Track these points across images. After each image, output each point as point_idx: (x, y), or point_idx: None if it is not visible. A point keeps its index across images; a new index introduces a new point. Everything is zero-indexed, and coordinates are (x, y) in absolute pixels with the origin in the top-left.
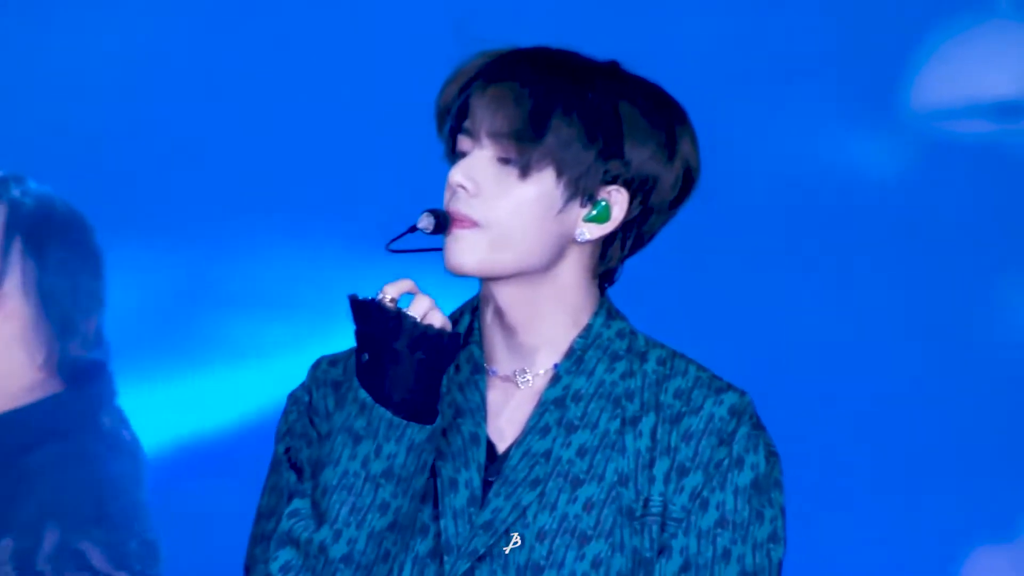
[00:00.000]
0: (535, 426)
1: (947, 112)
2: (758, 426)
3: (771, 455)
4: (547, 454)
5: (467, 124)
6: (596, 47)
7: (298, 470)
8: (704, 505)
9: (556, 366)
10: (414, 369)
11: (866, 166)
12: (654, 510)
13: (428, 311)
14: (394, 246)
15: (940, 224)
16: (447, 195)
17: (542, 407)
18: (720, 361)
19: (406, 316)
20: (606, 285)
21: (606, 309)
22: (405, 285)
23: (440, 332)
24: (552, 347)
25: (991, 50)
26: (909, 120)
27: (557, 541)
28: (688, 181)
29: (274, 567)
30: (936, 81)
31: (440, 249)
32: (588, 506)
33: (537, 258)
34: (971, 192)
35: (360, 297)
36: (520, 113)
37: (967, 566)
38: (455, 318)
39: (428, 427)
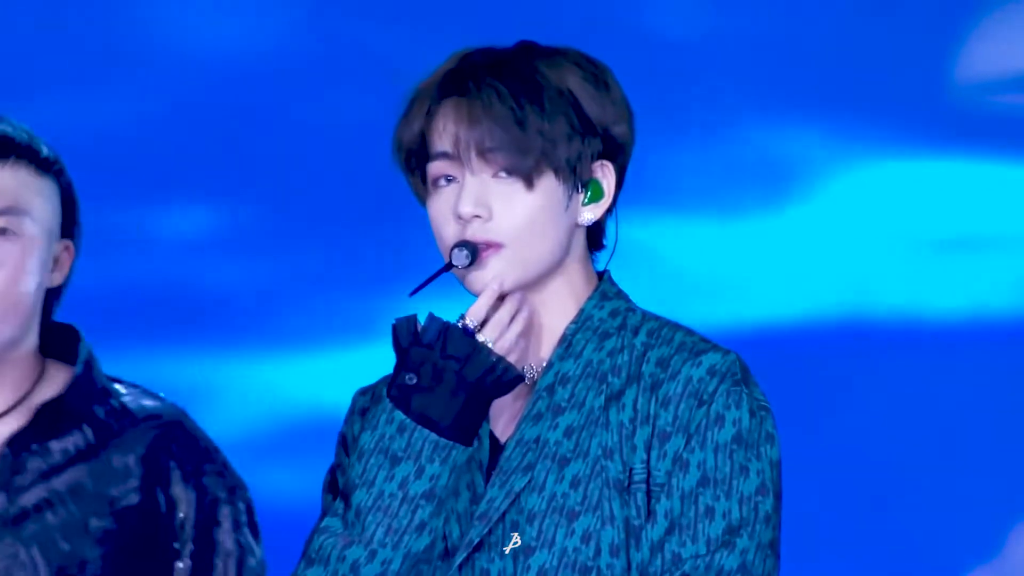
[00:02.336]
0: (528, 414)
1: (992, 85)
2: (741, 383)
3: (759, 409)
4: (537, 439)
5: (447, 150)
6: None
7: (336, 495)
8: (685, 466)
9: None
10: (474, 398)
11: (911, 140)
12: (637, 478)
13: (499, 338)
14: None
15: (986, 199)
16: (451, 229)
17: (535, 395)
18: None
19: (485, 348)
20: (596, 252)
21: (600, 291)
22: (482, 312)
23: (507, 368)
24: (553, 337)
25: None
26: (954, 93)
27: (547, 521)
28: (633, 123)
29: None
30: (982, 54)
31: (446, 269)
32: (575, 483)
33: (557, 257)
34: (1019, 166)
35: (431, 320)
36: (504, 125)
37: (1011, 540)
38: None
39: (469, 449)
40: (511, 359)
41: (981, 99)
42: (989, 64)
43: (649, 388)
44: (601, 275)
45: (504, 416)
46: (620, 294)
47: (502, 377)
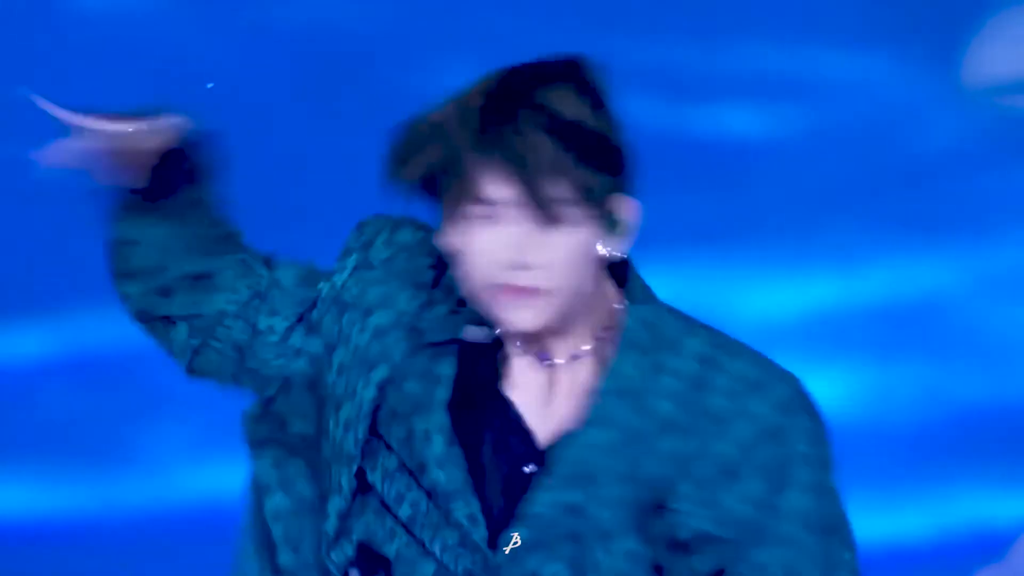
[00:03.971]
0: (578, 423)
1: (1001, 87)
2: (806, 410)
3: (820, 438)
4: (584, 457)
5: (487, 197)
6: None
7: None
8: (775, 510)
9: (576, 355)
10: None
11: (922, 142)
12: (681, 511)
13: None
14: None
15: (1000, 205)
16: (488, 271)
17: (583, 401)
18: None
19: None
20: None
21: (630, 298)
22: None
23: None
24: (577, 336)
25: None
26: (963, 95)
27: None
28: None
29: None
30: (990, 55)
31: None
32: (612, 504)
33: (585, 293)
34: None
35: None
36: (546, 178)
37: (1017, 542)
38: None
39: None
40: None
41: (989, 100)
42: (998, 65)
43: (714, 422)
44: (623, 273)
45: (522, 393)
46: (647, 294)
47: None
